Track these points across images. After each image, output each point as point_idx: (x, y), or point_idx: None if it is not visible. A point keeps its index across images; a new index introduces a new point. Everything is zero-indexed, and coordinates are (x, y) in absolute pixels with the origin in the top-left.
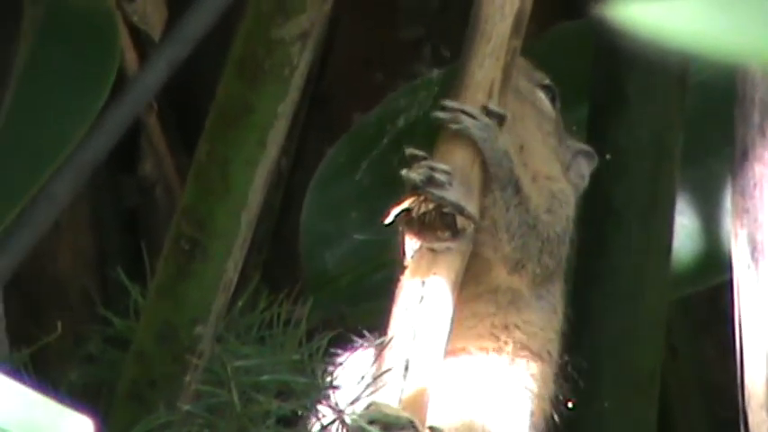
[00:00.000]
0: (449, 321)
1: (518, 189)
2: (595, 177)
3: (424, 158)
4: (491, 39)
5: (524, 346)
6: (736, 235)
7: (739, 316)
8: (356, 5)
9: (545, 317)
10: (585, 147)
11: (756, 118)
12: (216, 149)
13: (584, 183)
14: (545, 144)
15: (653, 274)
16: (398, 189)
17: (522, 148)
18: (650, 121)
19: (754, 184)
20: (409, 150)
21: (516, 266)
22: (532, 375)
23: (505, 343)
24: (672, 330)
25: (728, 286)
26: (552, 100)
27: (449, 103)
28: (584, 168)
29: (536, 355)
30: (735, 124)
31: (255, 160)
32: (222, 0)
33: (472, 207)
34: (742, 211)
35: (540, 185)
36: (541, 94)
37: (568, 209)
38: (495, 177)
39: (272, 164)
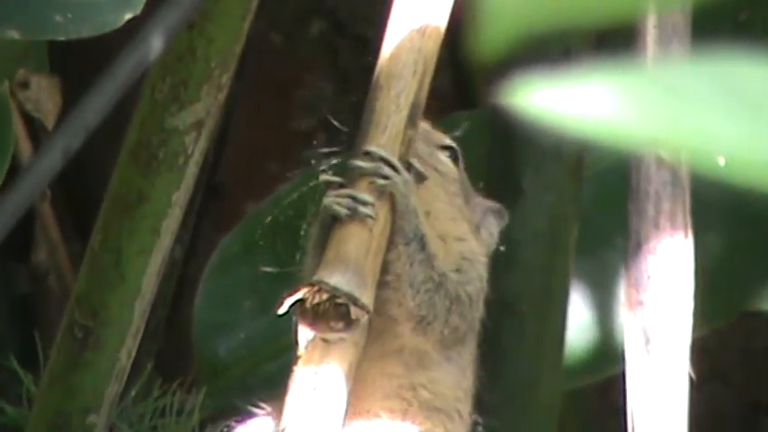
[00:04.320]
0: (342, 411)
1: (423, 245)
2: (490, 269)
3: (342, 185)
4: (386, 129)
5: (431, 406)
6: (629, 327)
7: (631, 408)
8: (251, 96)
9: (454, 377)
10: (494, 205)
11: (650, 210)
12: (109, 238)
13: (495, 241)
14: (451, 205)
15: (547, 365)
16: (292, 279)
17: (428, 213)
18: (545, 212)
19: (648, 276)
20: (324, 177)
21: (421, 324)
22: None
23: (410, 404)
24: (564, 422)
25: (621, 378)
26: (455, 160)
27: (373, 149)
28: (494, 227)
29: (444, 414)
30: (629, 216)
31: (149, 249)
32: (117, 88)
33: (366, 298)
34: (635, 303)
35: (449, 246)
36: (442, 156)
37: (480, 269)
38: (401, 231)
39: (166, 253)
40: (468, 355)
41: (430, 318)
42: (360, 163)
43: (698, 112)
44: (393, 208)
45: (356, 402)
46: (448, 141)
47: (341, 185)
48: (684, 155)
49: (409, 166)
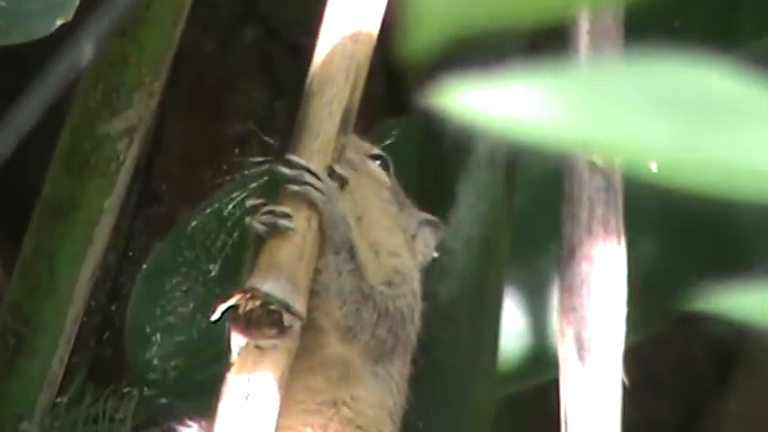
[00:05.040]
0: (275, 419)
1: (353, 255)
2: (423, 276)
3: (265, 205)
4: (318, 136)
5: (352, 423)
6: (563, 333)
7: (566, 415)
8: (183, 102)
9: (379, 395)
10: (430, 217)
11: (583, 216)
12: (42, 244)
13: (432, 253)
14: (385, 213)
15: (481, 372)
16: (226, 284)
17: (360, 219)
18: (478, 219)
19: (581, 282)
20: (250, 201)
21: (347, 335)
22: None
23: (330, 420)
24: (498, 429)
25: (555, 385)
26: (386, 168)
27: (294, 158)
28: (430, 239)
29: None
30: (562, 222)
31: (82, 255)
32: (48, 94)
33: (299, 304)
34: (569, 310)
35: (382, 258)
36: (373, 164)
37: (414, 284)
38: (330, 240)
39: (99, 259)
40: (397, 372)
41: (356, 329)
42: (281, 169)
43: (628, 114)
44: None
45: (279, 418)
46: (377, 150)
47: (264, 205)
48: (616, 158)
49: (332, 173)
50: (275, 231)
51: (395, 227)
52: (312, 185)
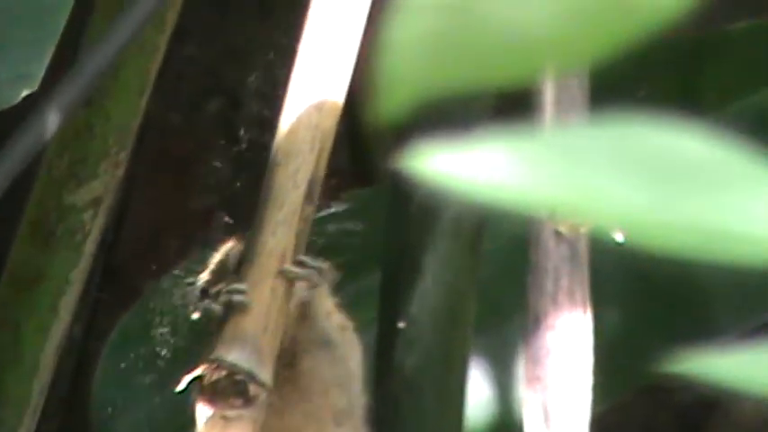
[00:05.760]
0: None
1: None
2: (387, 347)
3: (213, 282)
4: (283, 206)
5: None
6: (528, 403)
7: None
8: (149, 174)
9: None
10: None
11: (549, 286)
12: (7, 315)
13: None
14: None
15: None
16: (191, 356)
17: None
18: (443, 289)
19: (547, 352)
20: (201, 285)
21: (342, 417)
22: None
23: None
24: None
25: None
26: None
27: (305, 259)
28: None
29: None
30: (528, 292)
31: (48, 327)
32: (14, 165)
33: (265, 374)
34: (534, 379)
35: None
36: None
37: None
38: (322, 332)
39: (65, 331)
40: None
41: (350, 408)
42: (293, 270)
43: (597, 176)
44: (308, 309)
45: None
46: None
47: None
48: (584, 221)
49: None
50: (232, 309)
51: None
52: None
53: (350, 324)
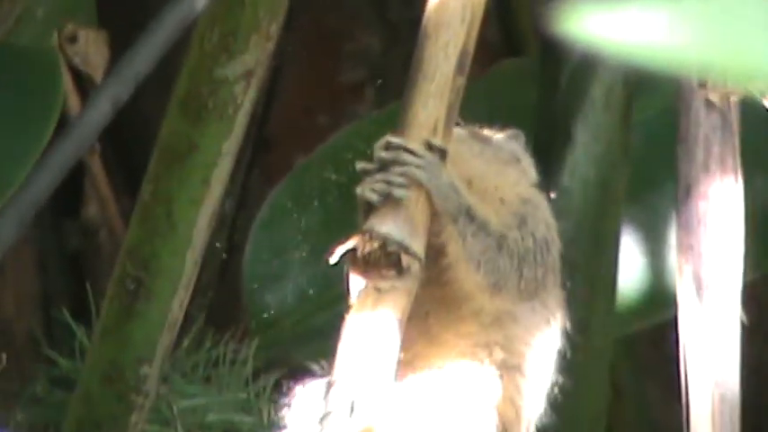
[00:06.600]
0: (394, 360)
1: (472, 217)
2: None
3: (381, 169)
4: (434, 78)
5: (506, 365)
6: (680, 272)
7: (684, 354)
8: (299, 50)
9: (535, 332)
10: (508, 132)
11: (699, 155)
12: (160, 189)
13: (527, 160)
14: (486, 160)
15: (598, 311)
16: (342, 228)
17: (470, 182)
18: (594, 160)
19: (698, 221)
20: (360, 166)
21: (495, 290)
22: (511, 393)
23: (482, 361)
24: (616, 371)
25: (673, 325)
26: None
27: (393, 139)
28: (519, 149)
29: (518, 372)
30: (678, 161)
31: (200, 199)
32: (165, 39)
33: (417, 245)
34: (686, 248)
35: (509, 200)
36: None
37: (542, 204)
38: (445, 212)
39: (217, 204)
40: (552, 301)
41: (501, 282)
42: (380, 154)
43: (749, 38)
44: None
45: (428, 362)
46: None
47: (377, 171)
48: (734, 83)
49: (431, 147)
50: (388, 200)
51: (500, 166)
52: (413, 164)
53: None
